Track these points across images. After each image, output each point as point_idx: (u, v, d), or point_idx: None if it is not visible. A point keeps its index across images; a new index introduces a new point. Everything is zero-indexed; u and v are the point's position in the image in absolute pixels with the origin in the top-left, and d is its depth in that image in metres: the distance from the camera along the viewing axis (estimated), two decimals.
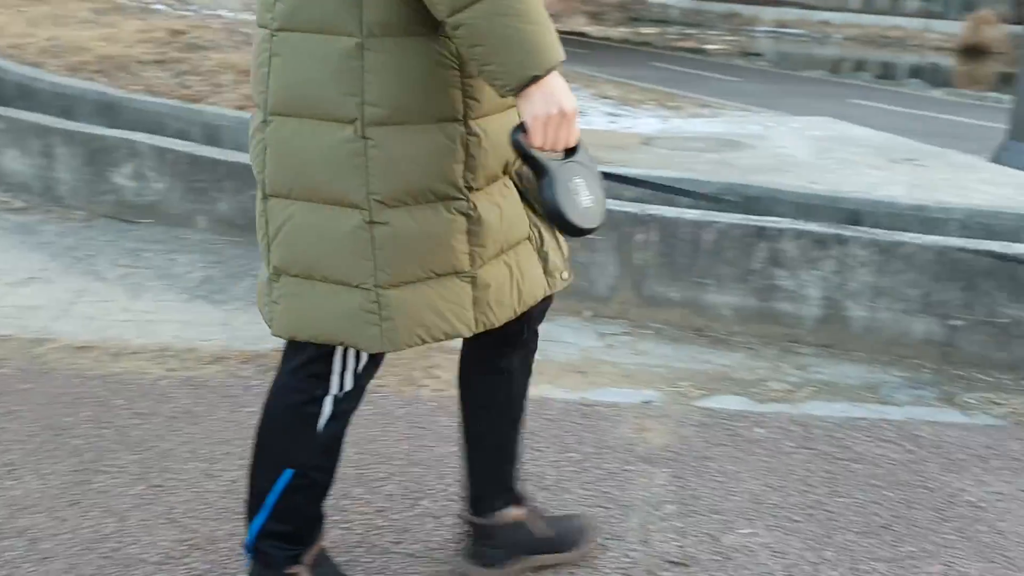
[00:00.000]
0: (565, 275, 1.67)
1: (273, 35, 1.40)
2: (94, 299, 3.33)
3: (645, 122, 7.54)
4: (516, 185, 1.56)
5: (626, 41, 24.11)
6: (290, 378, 1.57)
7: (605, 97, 9.27)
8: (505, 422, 1.85)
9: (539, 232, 1.61)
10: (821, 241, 3.26)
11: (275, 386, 1.61)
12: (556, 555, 1.90)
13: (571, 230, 1.39)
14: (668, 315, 3.43)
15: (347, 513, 2.09)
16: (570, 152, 1.41)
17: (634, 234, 3.40)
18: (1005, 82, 15.68)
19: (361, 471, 2.26)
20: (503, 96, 1.36)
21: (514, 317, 1.58)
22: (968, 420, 2.76)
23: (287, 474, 1.57)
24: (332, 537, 1.99)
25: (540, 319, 1.80)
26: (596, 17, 31.69)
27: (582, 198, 1.38)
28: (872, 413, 2.76)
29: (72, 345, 2.92)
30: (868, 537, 2.10)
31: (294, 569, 1.65)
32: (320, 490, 1.64)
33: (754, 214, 3.62)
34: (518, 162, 1.49)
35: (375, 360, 1.58)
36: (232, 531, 1.98)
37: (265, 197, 1.47)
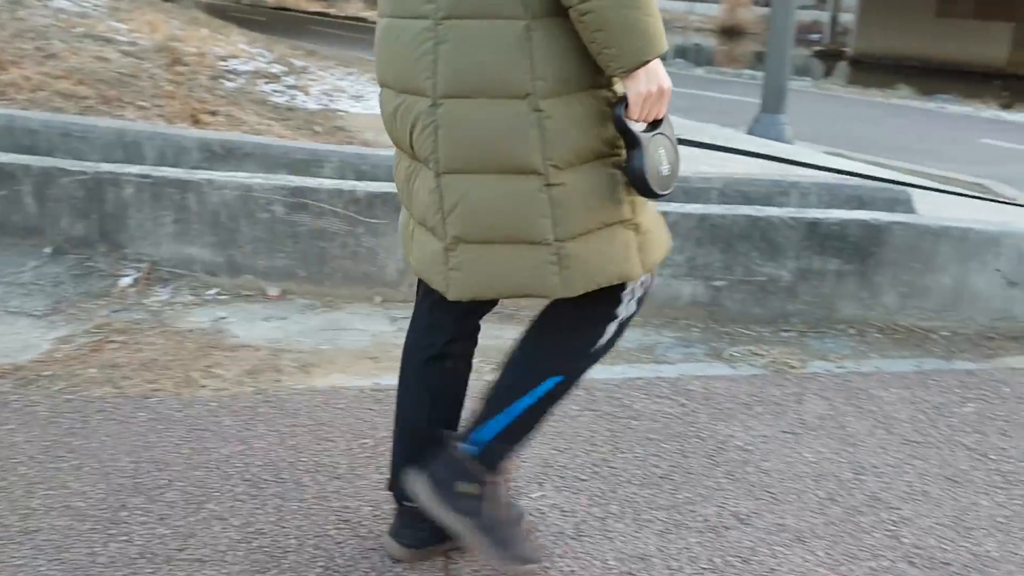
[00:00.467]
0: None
1: (438, 24, 1.51)
2: None
3: None
4: None
5: None
6: (590, 304, 1.66)
7: None
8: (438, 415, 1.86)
9: None
10: None
11: (566, 304, 1.67)
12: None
13: (649, 195, 1.57)
14: None
15: (125, 525, 1.97)
16: (656, 124, 1.56)
17: None
18: (759, 60, 17.01)
19: (138, 480, 2.14)
20: (611, 75, 1.52)
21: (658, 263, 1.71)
22: (734, 372, 2.98)
23: (551, 382, 1.71)
24: (110, 553, 1.87)
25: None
26: (374, 3, 31.26)
27: (663, 167, 1.56)
28: (648, 373, 2.92)
29: None
30: (649, 488, 2.23)
31: (495, 479, 1.78)
32: (559, 401, 1.76)
33: None
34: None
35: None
36: None
37: (438, 175, 1.57)
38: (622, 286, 1.67)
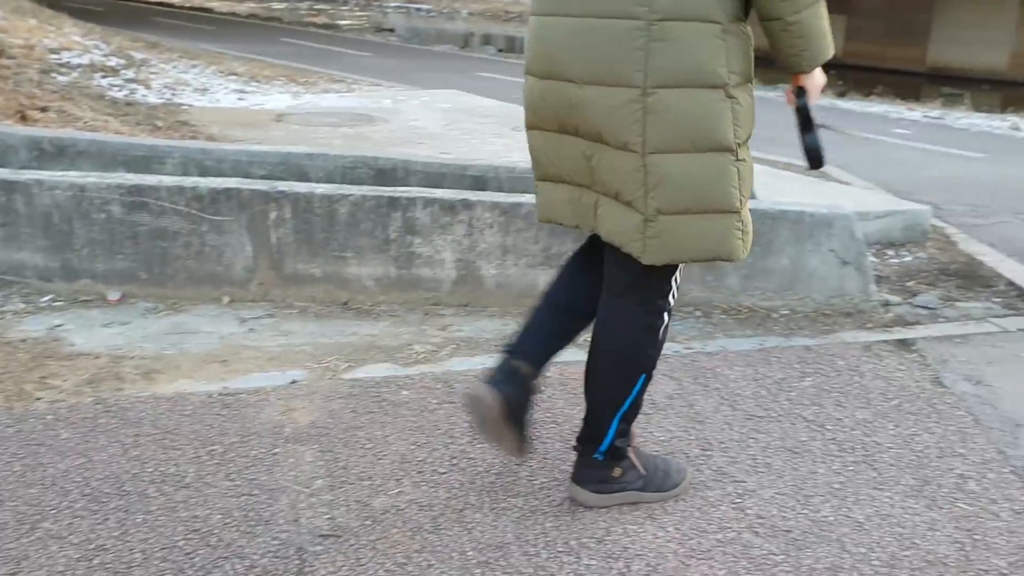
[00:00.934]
0: None
1: (651, 24, 1.74)
2: None
3: (276, 98, 7.37)
4: None
5: (254, 16, 23.35)
6: (637, 307, 2.00)
7: (233, 74, 8.91)
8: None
9: None
10: (450, 207, 3.40)
11: (618, 318, 2.02)
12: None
13: (819, 166, 1.92)
14: (312, 292, 3.40)
15: None
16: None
17: (268, 212, 3.32)
18: None
19: None
20: (797, 71, 1.88)
21: None
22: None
23: (642, 378, 2.05)
24: None
25: None
26: None
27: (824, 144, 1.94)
28: None
29: None
30: (506, 476, 2.25)
31: (628, 452, 2.15)
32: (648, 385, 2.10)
33: (388, 185, 3.69)
34: None
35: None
36: None
37: (644, 155, 1.79)
38: (671, 276, 2.00)
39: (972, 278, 4.13)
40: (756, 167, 1.95)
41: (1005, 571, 1.97)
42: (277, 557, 1.89)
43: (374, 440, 2.38)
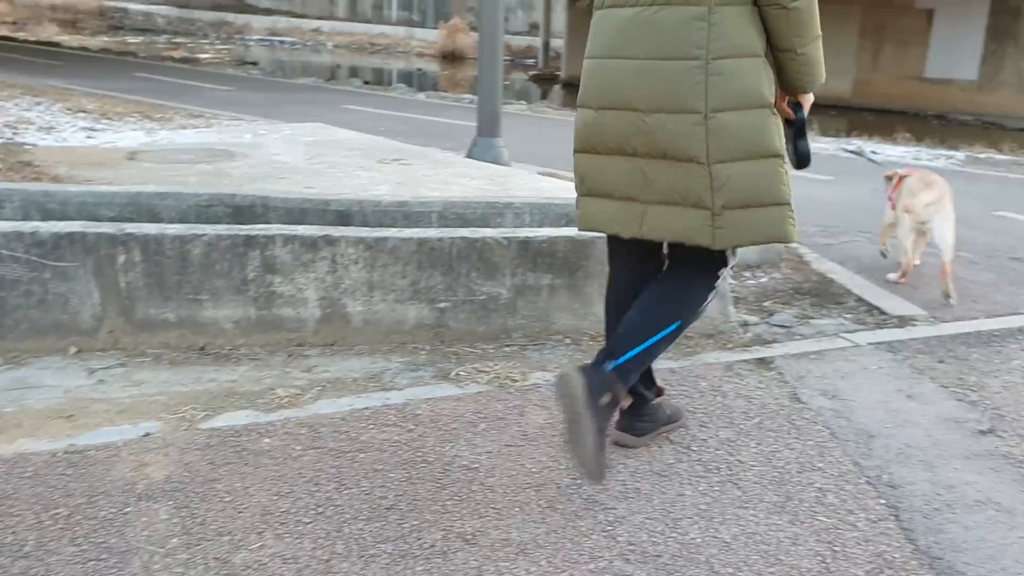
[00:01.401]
0: None
1: (708, 63, 2.18)
2: None
3: (129, 135, 7.05)
4: None
5: (107, 51, 22.42)
6: (699, 275, 2.41)
7: (82, 111, 8.50)
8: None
9: None
10: (312, 244, 3.31)
11: (682, 275, 2.43)
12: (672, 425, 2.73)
13: (806, 166, 2.42)
14: (165, 338, 3.24)
15: None
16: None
17: (115, 256, 3.15)
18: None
19: None
20: (799, 92, 2.35)
21: None
22: (460, 391, 3.01)
23: (676, 324, 2.39)
24: None
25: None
26: (71, 25, 29.04)
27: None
28: (376, 401, 2.88)
29: None
30: (375, 522, 2.18)
31: (620, 396, 2.37)
32: (673, 341, 2.45)
33: (247, 223, 3.57)
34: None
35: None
36: None
37: (709, 165, 2.21)
38: (725, 261, 2.41)
39: (824, 296, 4.32)
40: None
41: None
42: None
43: (233, 492, 2.27)
